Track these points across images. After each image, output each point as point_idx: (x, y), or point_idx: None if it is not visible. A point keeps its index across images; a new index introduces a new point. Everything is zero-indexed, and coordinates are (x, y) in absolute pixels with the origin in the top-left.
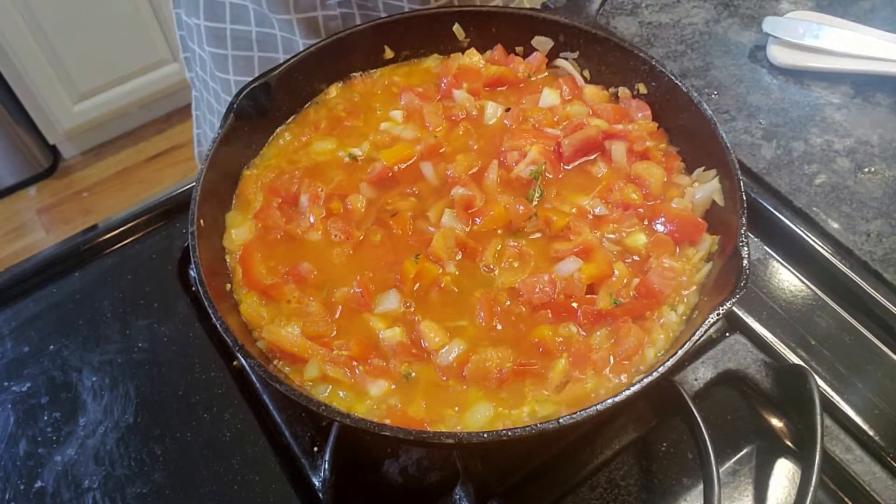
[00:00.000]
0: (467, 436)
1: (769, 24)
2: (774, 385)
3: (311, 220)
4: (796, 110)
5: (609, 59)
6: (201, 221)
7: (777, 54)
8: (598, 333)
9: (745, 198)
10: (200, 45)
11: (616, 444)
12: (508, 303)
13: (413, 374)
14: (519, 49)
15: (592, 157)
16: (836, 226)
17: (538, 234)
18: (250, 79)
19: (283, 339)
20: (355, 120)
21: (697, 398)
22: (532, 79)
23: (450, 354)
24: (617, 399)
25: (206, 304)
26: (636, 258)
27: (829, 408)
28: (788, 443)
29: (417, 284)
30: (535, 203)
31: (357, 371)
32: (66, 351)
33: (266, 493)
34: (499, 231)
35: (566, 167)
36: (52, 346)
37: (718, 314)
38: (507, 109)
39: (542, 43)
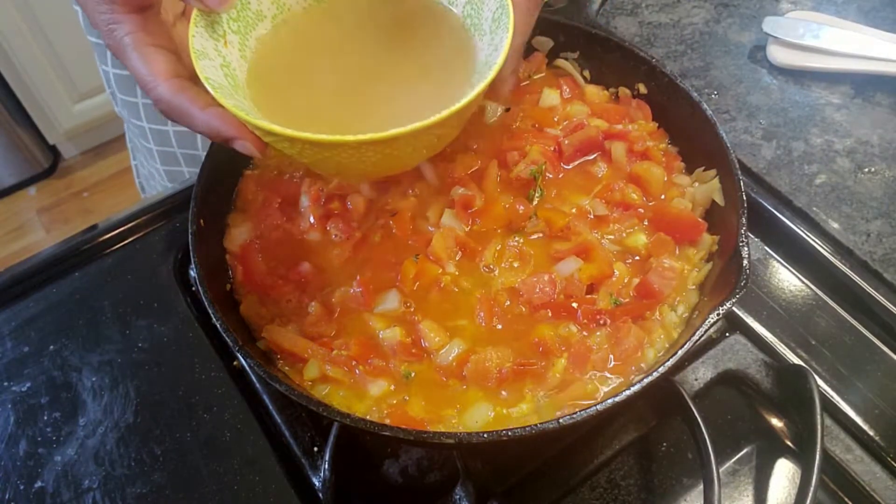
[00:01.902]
0: (467, 436)
1: (769, 24)
2: (774, 385)
3: (311, 220)
4: (796, 110)
5: (609, 59)
6: (201, 221)
7: (777, 54)
8: (598, 333)
9: (745, 198)
10: (112, 90)
11: (616, 444)
12: (508, 303)
13: (413, 374)
14: None
15: (592, 157)
16: (836, 226)
17: (538, 234)
18: (166, 127)
19: (283, 338)
20: None
21: (697, 398)
22: (532, 78)
23: (450, 354)
24: (617, 399)
25: (206, 304)
26: (636, 258)
27: (829, 408)
28: (788, 443)
29: (417, 284)
30: (535, 203)
31: (357, 371)
32: (66, 351)
33: (266, 493)
34: (499, 231)
35: (566, 167)
36: (52, 346)
37: (718, 314)
38: (507, 109)
39: (542, 43)
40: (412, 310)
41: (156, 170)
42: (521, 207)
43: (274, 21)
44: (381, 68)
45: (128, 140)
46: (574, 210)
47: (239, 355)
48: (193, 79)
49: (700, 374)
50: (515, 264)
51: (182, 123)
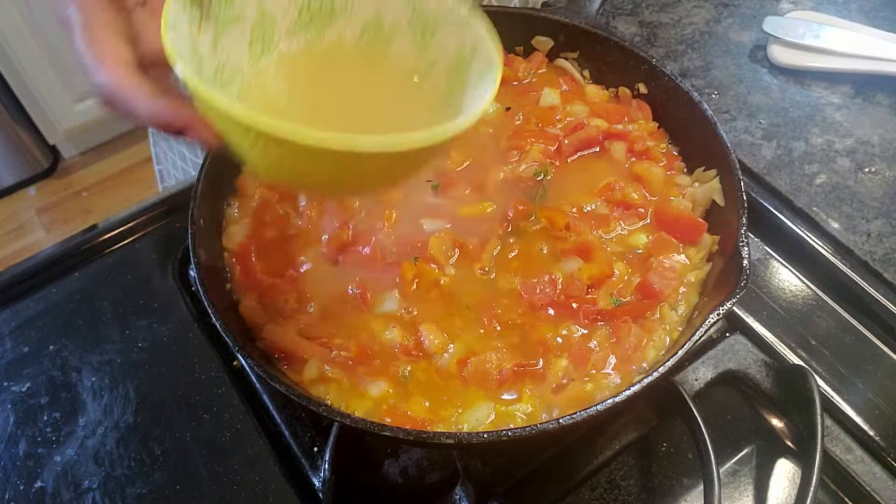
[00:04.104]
0: (467, 436)
1: (769, 24)
2: (774, 385)
3: (310, 215)
4: (796, 110)
5: (609, 59)
6: (201, 221)
7: (777, 54)
8: (599, 333)
9: (745, 198)
10: None
11: (616, 444)
12: (508, 303)
13: (412, 374)
14: (519, 49)
15: (593, 157)
16: (836, 226)
17: (538, 234)
18: None
19: (282, 338)
20: None
21: (697, 398)
22: (532, 78)
23: (450, 356)
24: (617, 399)
25: (205, 304)
26: (637, 257)
27: (830, 408)
28: (788, 443)
29: (416, 285)
30: (535, 202)
31: (357, 371)
32: (66, 351)
33: (266, 493)
34: (499, 231)
35: (567, 166)
36: (52, 346)
37: (719, 314)
38: (508, 109)
39: (542, 43)
40: (412, 311)
41: (179, 154)
42: (522, 206)
43: (252, 33)
44: (367, 92)
45: (152, 144)
46: (575, 209)
47: (239, 355)
48: (143, 71)
49: (700, 374)
50: (515, 264)
51: (123, 111)
